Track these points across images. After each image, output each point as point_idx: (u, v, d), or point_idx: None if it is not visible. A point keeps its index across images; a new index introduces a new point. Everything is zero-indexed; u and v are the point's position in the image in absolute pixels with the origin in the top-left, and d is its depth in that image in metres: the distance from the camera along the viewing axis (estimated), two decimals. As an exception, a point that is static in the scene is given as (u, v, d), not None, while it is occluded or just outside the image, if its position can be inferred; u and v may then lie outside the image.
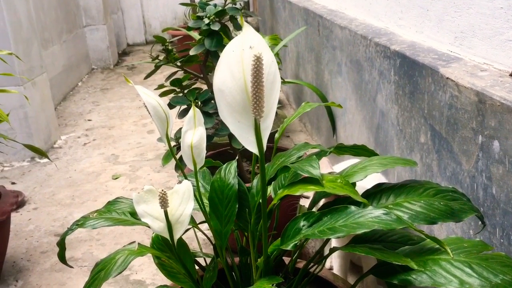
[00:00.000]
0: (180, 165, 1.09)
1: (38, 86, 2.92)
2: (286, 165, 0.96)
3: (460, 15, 1.25)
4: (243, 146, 1.78)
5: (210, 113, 1.67)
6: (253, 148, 0.76)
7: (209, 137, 1.73)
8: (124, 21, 6.06)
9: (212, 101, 1.69)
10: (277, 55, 2.65)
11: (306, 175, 0.89)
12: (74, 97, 4.13)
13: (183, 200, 0.83)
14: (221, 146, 2.08)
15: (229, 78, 0.73)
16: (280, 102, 3.48)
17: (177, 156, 1.75)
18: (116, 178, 2.56)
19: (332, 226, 0.76)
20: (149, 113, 0.95)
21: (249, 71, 0.71)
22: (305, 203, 1.24)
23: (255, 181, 1.02)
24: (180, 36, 1.81)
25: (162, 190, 0.79)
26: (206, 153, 1.97)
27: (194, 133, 0.92)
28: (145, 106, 0.95)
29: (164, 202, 0.79)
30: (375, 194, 0.95)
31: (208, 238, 1.15)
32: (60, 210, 2.27)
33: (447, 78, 1.15)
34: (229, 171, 1.03)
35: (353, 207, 0.78)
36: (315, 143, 2.80)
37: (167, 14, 6.17)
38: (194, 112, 0.92)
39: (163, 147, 2.94)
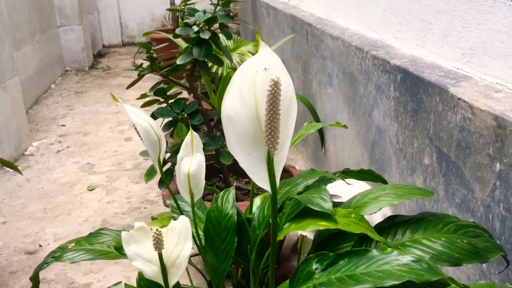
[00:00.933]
0: (166, 182, 0.99)
1: (9, 90, 2.75)
2: (293, 197, 0.86)
3: (469, 30, 1.18)
4: (231, 161, 1.69)
5: (197, 126, 1.57)
6: (264, 184, 0.66)
7: (195, 152, 1.62)
8: (100, 22, 5.88)
9: (200, 114, 1.58)
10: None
11: (316, 209, 0.80)
12: (47, 101, 3.95)
13: (180, 240, 0.72)
14: (206, 159, 1.96)
15: (238, 104, 0.63)
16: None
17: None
18: (92, 190, 2.43)
19: (352, 274, 0.67)
20: (139, 136, 0.85)
21: (262, 96, 0.62)
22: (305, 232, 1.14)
23: (256, 212, 0.92)
24: (166, 44, 1.70)
25: (157, 230, 0.69)
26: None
27: (191, 160, 0.82)
28: (135, 128, 0.84)
29: (158, 243, 0.69)
30: (390, 228, 0.87)
31: (198, 270, 1.04)
32: (32, 224, 2.12)
33: (459, 98, 1.07)
34: (227, 200, 0.93)
35: (374, 251, 0.69)
36: (301, 154, 2.72)
37: (145, 16, 6.02)
38: (192, 137, 0.82)
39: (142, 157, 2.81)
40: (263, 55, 0.62)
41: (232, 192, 0.94)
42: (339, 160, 2.00)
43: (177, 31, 1.51)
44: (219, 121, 1.77)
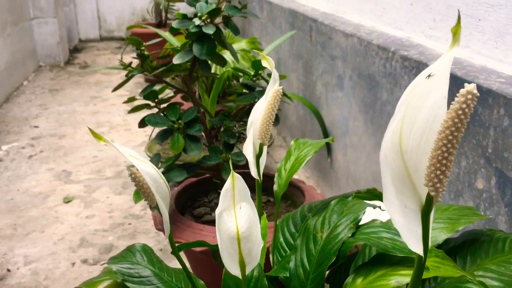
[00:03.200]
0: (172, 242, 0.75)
1: (-26, 88, 2.46)
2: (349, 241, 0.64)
3: (539, 28, 0.97)
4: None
5: (196, 138, 1.33)
6: (417, 245, 0.46)
7: (193, 166, 1.38)
8: (76, 15, 5.55)
9: (199, 122, 1.34)
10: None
11: (399, 254, 0.59)
12: (19, 99, 3.64)
13: None
14: (202, 171, 1.72)
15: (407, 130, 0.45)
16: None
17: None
18: (69, 202, 2.16)
19: None
20: (138, 188, 0.61)
21: (413, 117, 0.45)
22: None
23: (291, 265, 0.68)
24: (159, 40, 1.45)
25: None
26: (185, 183, 1.61)
27: (235, 215, 0.57)
28: (131, 178, 0.60)
29: None
30: (449, 255, 0.66)
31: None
32: (-2, 244, 1.85)
33: (538, 113, 0.86)
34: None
35: None
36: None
37: (125, 9, 5.71)
38: (233, 182, 0.56)
39: (123, 162, 2.56)
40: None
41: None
42: (350, 173, 1.78)
43: (174, 24, 1.27)
44: (219, 130, 1.54)
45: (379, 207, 0.78)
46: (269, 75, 1.52)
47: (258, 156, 0.69)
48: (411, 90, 0.45)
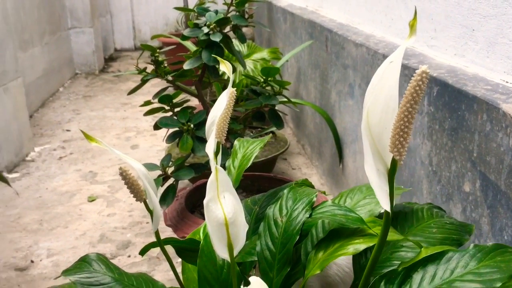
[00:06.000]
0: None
1: (10, 92, 2.63)
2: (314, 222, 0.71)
3: (524, 38, 1.01)
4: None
5: (204, 139, 1.41)
6: (386, 202, 0.56)
7: (201, 166, 1.46)
8: (112, 25, 5.78)
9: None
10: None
11: (353, 226, 0.67)
12: (54, 104, 3.83)
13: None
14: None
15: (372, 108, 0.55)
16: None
17: (163, 188, 1.48)
18: (92, 201, 2.28)
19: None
20: (131, 191, 0.71)
21: (379, 95, 0.55)
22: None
23: (258, 249, 0.74)
24: (173, 46, 1.55)
25: None
26: (197, 183, 1.69)
27: (221, 203, 0.64)
28: (122, 176, 0.70)
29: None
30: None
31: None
32: (25, 237, 1.97)
33: (514, 117, 0.90)
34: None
35: (450, 252, 0.61)
36: (316, 169, 2.55)
37: (158, 20, 5.91)
38: (217, 174, 0.63)
39: (147, 165, 2.66)
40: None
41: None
42: (359, 178, 1.83)
43: (185, 32, 1.36)
44: (229, 132, 1.61)
45: (324, 192, 0.86)
46: (275, 81, 1.59)
47: (216, 154, 0.76)
48: (376, 75, 0.54)
